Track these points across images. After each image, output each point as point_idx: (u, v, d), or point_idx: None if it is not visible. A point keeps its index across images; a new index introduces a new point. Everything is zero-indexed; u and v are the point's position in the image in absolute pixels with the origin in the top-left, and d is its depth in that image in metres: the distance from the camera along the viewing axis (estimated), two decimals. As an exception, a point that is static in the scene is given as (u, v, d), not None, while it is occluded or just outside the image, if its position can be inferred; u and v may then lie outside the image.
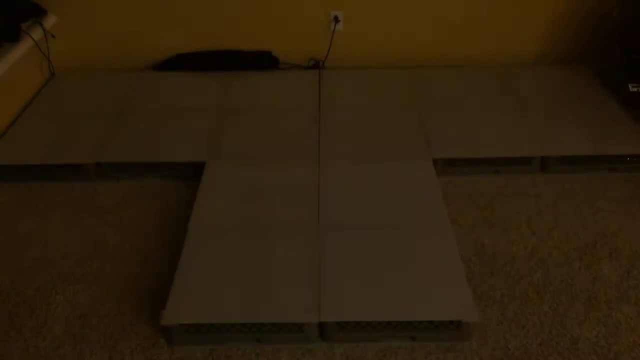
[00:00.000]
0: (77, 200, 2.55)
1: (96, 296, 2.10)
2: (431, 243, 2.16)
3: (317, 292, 1.97)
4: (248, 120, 2.90)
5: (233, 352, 1.89)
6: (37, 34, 3.14)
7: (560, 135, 2.74)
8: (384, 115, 2.92)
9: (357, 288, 1.99)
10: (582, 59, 3.38)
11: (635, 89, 3.05)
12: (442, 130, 2.79)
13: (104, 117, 2.93)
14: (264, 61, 3.39)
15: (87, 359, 1.88)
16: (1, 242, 2.34)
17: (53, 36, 3.26)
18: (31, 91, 3.16)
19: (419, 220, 2.27)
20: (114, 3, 3.28)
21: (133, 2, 3.28)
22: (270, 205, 2.36)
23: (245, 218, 2.30)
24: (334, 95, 3.10)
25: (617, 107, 2.94)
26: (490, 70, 3.29)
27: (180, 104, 3.04)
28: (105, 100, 3.09)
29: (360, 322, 1.90)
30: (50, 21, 3.26)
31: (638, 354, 1.86)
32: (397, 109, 2.96)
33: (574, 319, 1.98)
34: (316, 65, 3.42)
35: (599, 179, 2.60)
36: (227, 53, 3.40)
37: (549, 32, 3.39)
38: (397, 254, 2.11)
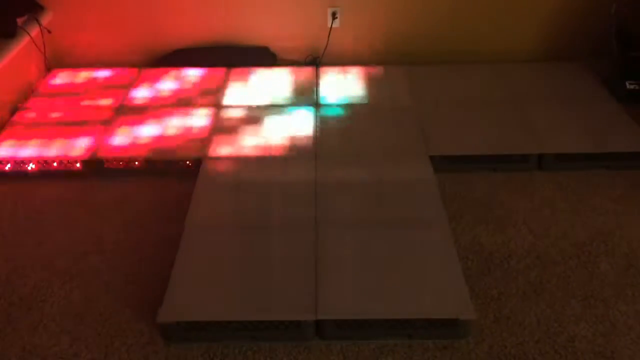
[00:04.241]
0: (73, 197, 2.54)
1: (92, 294, 2.09)
2: (428, 241, 2.16)
3: (314, 290, 1.96)
4: (245, 116, 2.89)
5: (230, 350, 1.89)
6: (33, 29, 3.13)
7: (558, 132, 2.74)
8: (381, 112, 2.91)
9: (354, 286, 1.98)
10: (580, 56, 3.37)
11: (633, 87, 3.05)
12: (439, 127, 2.79)
13: (99, 113, 2.91)
14: (261, 57, 3.38)
15: (83, 357, 1.88)
16: (-3, 239, 2.34)
17: (49, 31, 3.24)
18: (27, 87, 3.15)
19: (416, 218, 2.27)
20: (111, -1, 3.28)
21: (130, -3, 3.28)
22: (268, 203, 2.35)
23: (243, 216, 2.30)
24: (331, 92, 3.08)
25: (615, 105, 2.94)
26: (488, 67, 3.28)
27: (178, 100, 3.02)
28: (103, 96, 3.07)
29: (358, 320, 1.90)
30: (46, 17, 3.24)
31: (635, 352, 1.86)
32: (394, 106, 2.95)
33: (571, 317, 1.97)
34: (314, 61, 3.41)
35: (596, 177, 2.59)
36: (225, 49, 3.38)
37: (546, 29, 3.39)
38: (394, 252, 2.11)
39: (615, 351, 1.86)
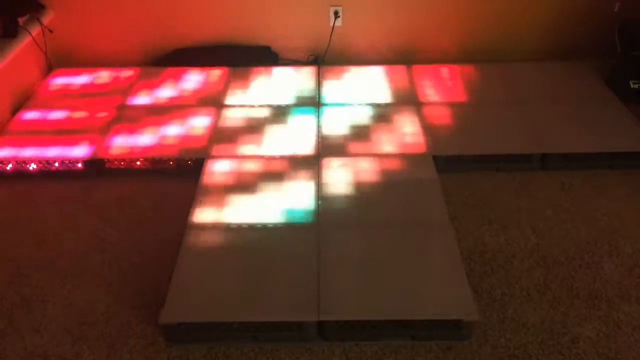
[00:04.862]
0: (75, 197, 2.53)
1: (94, 294, 2.09)
2: (431, 241, 2.15)
3: (316, 291, 1.96)
4: (247, 116, 2.88)
5: (232, 351, 1.88)
6: (34, 29, 3.13)
7: (561, 132, 2.73)
8: (383, 111, 2.90)
9: (357, 287, 1.98)
10: (583, 55, 3.36)
11: (636, 86, 3.04)
12: (442, 126, 2.78)
13: (101, 113, 2.91)
14: (263, 56, 3.37)
15: (85, 358, 1.87)
16: (-2, 240, 2.34)
17: (50, 31, 3.24)
18: (29, 86, 3.14)
19: (418, 218, 2.26)
20: (112, -2, 3.28)
21: (131, -4, 3.27)
22: (269, 203, 2.34)
23: (244, 216, 2.29)
24: (333, 90, 3.08)
25: (618, 104, 2.92)
26: (491, 66, 3.26)
27: (180, 100, 3.02)
28: (104, 95, 3.06)
29: (360, 321, 1.89)
30: (47, 16, 3.24)
31: (639, 353, 1.85)
32: (396, 105, 2.94)
33: (574, 318, 1.97)
34: (316, 60, 3.40)
35: (599, 176, 2.58)
36: (226, 48, 3.38)
37: (550, 28, 3.37)
38: (396, 253, 2.10)
39: (620, 352, 1.86)
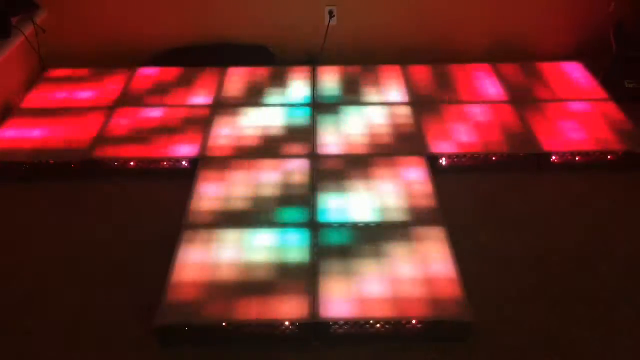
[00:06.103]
0: (69, 198, 2.51)
1: (88, 296, 2.07)
2: (428, 242, 2.14)
3: (313, 293, 1.94)
4: (243, 115, 2.87)
5: (228, 354, 1.87)
6: (27, 28, 3.10)
7: (558, 133, 2.72)
8: (380, 111, 2.89)
9: (354, 287, 1.97)
10: (578, 55, 3.36)
11: (632, 85, 3.04)
12: (438, 126, 2.77)
13: (95, 113, 2.89)
14: (259, 56, 3.36)
15: (78, 361, 1.86)
16: (-9, 242, 2.31)
17: (44, 31, 3.22)
18: (22, 86, 3.12)
19: (416, 219, 2.25)
20: (106, -3, 3.26)
21: (126, -4, 3.25)
22: (266, 203, 2.33)
23: (241, 216, 2.27)
24: (328, 90, 3.06)
25: (614, 104, 2.92)
26: (486, 66, 3.25)
27: (176, 100, 3.00)
28: (99, 95, 3.04)
29: (357, 322, 1.88)
30: (41, 16, 3.22)
31: (637, 354, 1.85)
32: (393, 105, 2.93)
33: (572, 320, 1.96)
34: (311, 60, 3.39)
35: (596, 177, 2.57)
36: (223, 48, 3.37)
37: (544, 28, 3.38)
38: (393, 253, 2.09)
39: (617, 354, 1.85)
